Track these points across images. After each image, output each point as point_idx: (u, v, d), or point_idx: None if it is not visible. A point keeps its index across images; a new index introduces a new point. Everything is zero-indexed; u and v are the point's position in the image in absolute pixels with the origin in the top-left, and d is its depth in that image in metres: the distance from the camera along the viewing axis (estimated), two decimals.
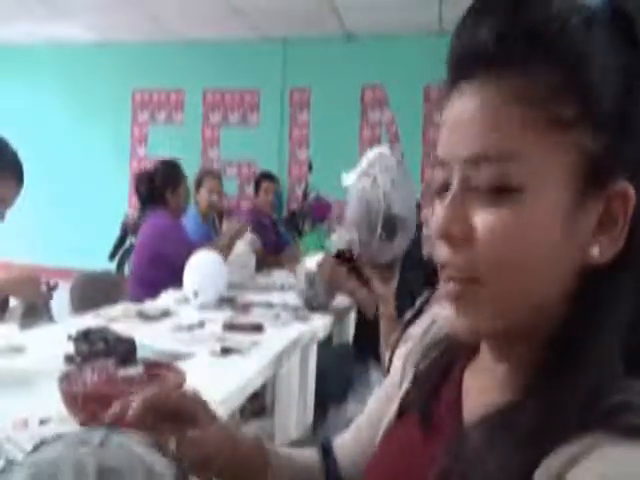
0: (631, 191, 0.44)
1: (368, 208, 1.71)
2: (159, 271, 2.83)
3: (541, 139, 0.44)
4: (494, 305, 0.46)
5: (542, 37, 0.44)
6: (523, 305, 0.46)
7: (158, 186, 2.99)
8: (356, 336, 2.41)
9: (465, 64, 0.47)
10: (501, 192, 0.45)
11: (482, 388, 0.53)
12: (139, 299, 2.60)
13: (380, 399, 0.73)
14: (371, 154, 1.84)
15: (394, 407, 0.65)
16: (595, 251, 0.45)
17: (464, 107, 0.47)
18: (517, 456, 0.42)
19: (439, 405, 0.57)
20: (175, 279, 2.74)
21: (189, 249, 2.82)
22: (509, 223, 0.44)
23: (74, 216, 6.90)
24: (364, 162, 1.82)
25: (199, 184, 3.63)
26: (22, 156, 1.71)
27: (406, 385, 0.65)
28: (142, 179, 3.05)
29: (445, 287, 0.48)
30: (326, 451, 0.76)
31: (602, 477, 0.37)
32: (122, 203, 6.80)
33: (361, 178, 1.75)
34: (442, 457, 0.47)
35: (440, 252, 0.48)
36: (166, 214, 2.97)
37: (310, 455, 0.77)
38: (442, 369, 0.60)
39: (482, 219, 0.46)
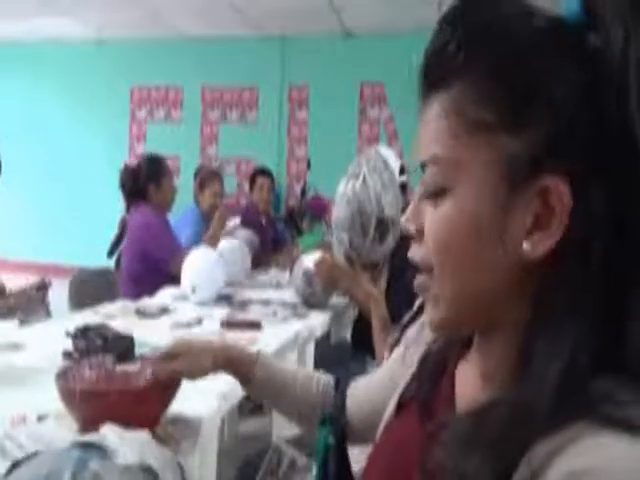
0: (564, 187, 0.45)
1: (360, 210, 1.71)
2: (145, 267, 2.81)
3: (466, 144, 0.48)
4: (447, 295, 0.50)
5: (472, 46, 0.48)
6: (473, 297, 0.50)
7: (141, 181, 2.93)
8: (354, 333, 2.41)
9: (427, 74, 0.52)
10: (437, 194, 0.50)
11: (471, 381, 0.55)
12: (130, 296, 2.59)
13: (390, 366, 0.85)
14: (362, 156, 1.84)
15: (394, 400, 0.67)
16: (526, 246, 0.46)
17: (424, 117, 0.52)
18: (497, 450, 0.42)
19: (437, 396, 0.58)
20: (160, 275, 2.74)
21: (173, 245, 2.82)
22: (441, 221, 0.50)
23: (72, 213, 6.89)
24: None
25: (202, 185, 3.59)
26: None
27: (407, 377, 0.67)
28: (126, 174, 2.98)
29: (416, 279, 0.54)
30: (338, 385, 0.92)
31: (585, 472, 0.38)
32: (121, 200, 6.78)
33: (349, 179, 1.75)
34: (429, 446, 0.48)
35: (412, 248, 0.54)
36: (149, 210, 2.91)
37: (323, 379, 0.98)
38: (440, 362, 0.61)
39: (426, 219, 0.52)
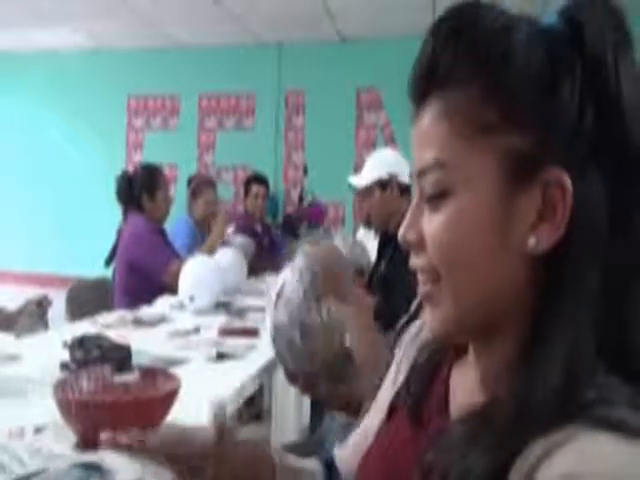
0: (566, 179, 0.45)
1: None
2: (136, 279, 2.78)
3: (466, 146, 0.48)
4: (456, 301, 0.49)
5: (467, 50, 0.48)
6: (482, 300, 0.49)
7: (136, 190, 2.90)
8: None
9: (420, 83, 0.52)
10: (437, 199, 0.50)
11: (467, 385, 0.55)
12: (122, 307, 2.56)
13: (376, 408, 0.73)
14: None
15: (386, 405, 0.67)
16: (532, 241, 0.47)
17: (419, 125, 0.52)
18: (495, 451, 0.43)
19: (428, 402, 0.58)
20: (152, 287, 2.70)
21: (164, 257, 2.76)
22: (443, 226, 0.49)
23: (70, 223, 6.87)
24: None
25: (195, 194, 3.55)
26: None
27: (398, 383, 0.67)
28: (122, 182, 2.95)
29: (420, 289, 0.53)
30: (329, 467, 0.76)
31: (569, 476, 0.38)
32: (118, 210, 6.77)
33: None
34: (426, 452, 0.48)
35: (411, 258, 0.53)
36: (142, 219, 2.88)
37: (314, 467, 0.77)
38: (433, 367, 0.61)
39: (426, 225, 0.51)
